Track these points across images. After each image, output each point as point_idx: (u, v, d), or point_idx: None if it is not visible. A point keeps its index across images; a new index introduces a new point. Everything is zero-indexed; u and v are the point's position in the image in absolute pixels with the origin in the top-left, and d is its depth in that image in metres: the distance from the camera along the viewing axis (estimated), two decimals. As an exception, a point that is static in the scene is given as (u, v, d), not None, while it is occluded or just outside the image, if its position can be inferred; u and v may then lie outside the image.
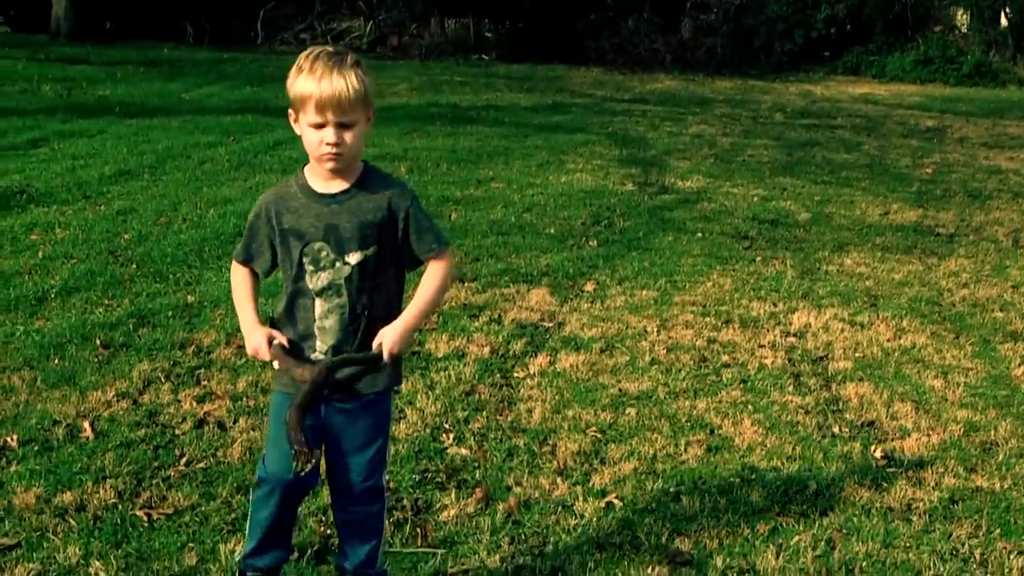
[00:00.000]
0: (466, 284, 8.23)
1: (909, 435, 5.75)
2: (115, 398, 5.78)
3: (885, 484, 5.17)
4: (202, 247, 8.97)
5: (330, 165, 3.49)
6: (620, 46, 31.16)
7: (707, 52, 31.24)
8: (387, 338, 3.49)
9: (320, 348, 3.58)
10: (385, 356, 3.48)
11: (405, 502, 4.80)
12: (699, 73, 29.93)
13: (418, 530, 4.56)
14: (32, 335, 6.68)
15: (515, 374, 6.45)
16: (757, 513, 4.83)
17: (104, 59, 26.91)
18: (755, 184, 13.50)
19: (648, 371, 6.57)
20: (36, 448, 5.16)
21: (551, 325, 7.39)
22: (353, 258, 3.53)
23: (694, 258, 9.48)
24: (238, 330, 6.46)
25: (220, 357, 6.48)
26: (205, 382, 6.09)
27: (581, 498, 4.90)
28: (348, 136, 3.43)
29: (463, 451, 5.35)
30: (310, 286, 3.56)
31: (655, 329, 7.35)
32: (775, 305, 8.07)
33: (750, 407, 6.06)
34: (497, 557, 4.38)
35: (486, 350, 6.78)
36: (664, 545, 4.52)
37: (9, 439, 5.21)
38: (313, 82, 3.37)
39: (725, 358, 6.87)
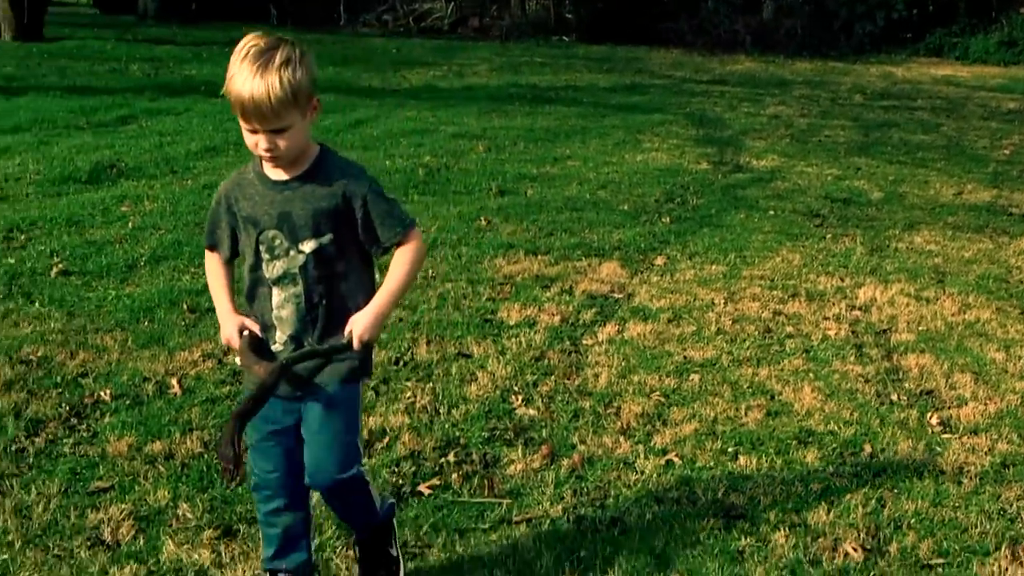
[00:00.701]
0: (539, 256, 8.47)
1: (966, 404, 5.89)
2: (201, 358, 6.07)
3: (939, 448, 5.33)
4: (284, 219, 9.25)
5: (270, 164, 3.40)
6: (700, 27, 31.14)
7: (787, 33, 31.11)
8: (357, 325, 3.39)
9: (279, 339, 3.52)
10: (355, 344, 3.39)
11: (474, 456, 5.04)
12: (779, 55, 29.84)
13: (485, 482, 4.80)
14: (123, 299, 7.00)
15: (584, 341, 6.66)
16: (811, 473, 5.02)
17: (190, 40, 27.43)
18: (830, 164, 13.58)
19: (713, 340, 6.76)
20: (128, 402, 5.47)
21: (621, 296, 7.59)
22: (307, 246, 3.43)
23: (765, 235, 9.62)
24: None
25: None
26: (286, 345, 6.36)
27: (642, 456, 5.12)
28: (281, 140, 3.29)
29: (531, 411, 5.58)
30: (267, 275, 3.48)
31: (722, 301, 7.53)
32: (842, 280, 8.20)
33: (811, 375, 6.23)
34: (560, 508, 4.61)
35: (556, 319, 7.01)
36: (720, 500, 4.72)
37: (103, 393, 5.53)
38: (237, 88, 3.22)
39: (789, 329, 7.04)
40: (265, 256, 3.46)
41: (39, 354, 6.03)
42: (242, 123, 3.29)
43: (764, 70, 26.61)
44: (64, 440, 5.04)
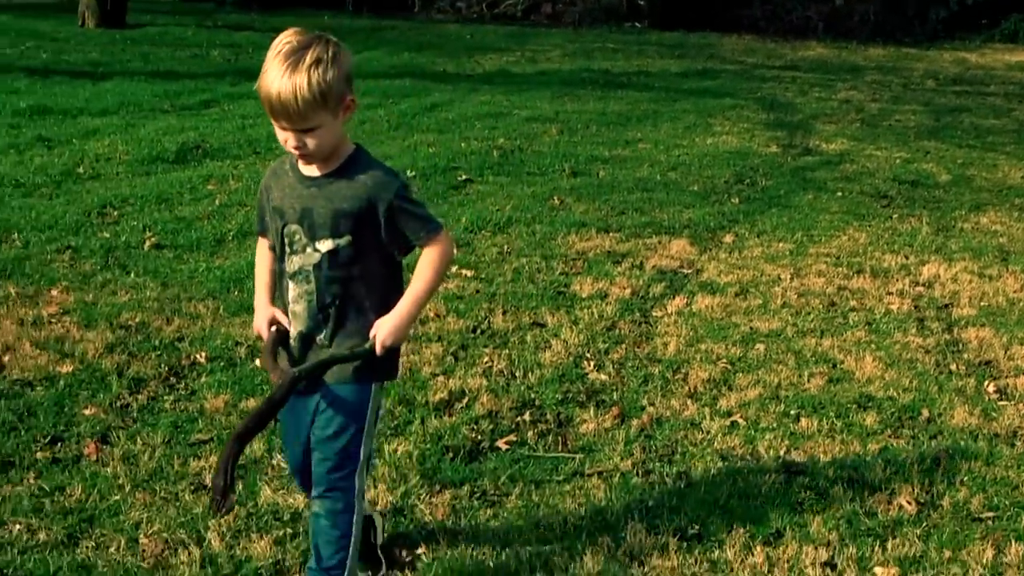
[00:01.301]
0: (611, 234, 8.74)
1: (1023, 374, 6.09)
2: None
3: (994, 414, 5.55)
4: (364, 198, 9.58)
5: (302, 162, 3.40)
6: (772, 13, 31.14)
7: (860, 19, 31.01)
8: (381, 330, 3.37)
9: (292, 333, 3.50)
10: (378, 350, 3.37)
11: (548, 416, 5.34)
12: (851, 41, 29.77)
13: (559, 439, 5.09)
14: (214, 271, 7.36)
15: (653, 313, 6.93)
16: (870, 435, 5.26)
17: (268, 26, 27.81)
18: (899, 147, 13.71)
19: (779, 313, 7.00)
20: (222, 364, 5.82)
21: (689, 271, 7.84)
22: (323, 245, 3.39)
23: (832, 215, 9.82)
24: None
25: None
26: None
27: (708, 417, 5.39)
28: (311, 140, 3.27)
29: (602, 376, 5.86)
30: (286, 268, 3.47)
31: (788, 276, 7.76)
32: (907, 258, 8.40)
33: (873, 346, 6.46)
34: (629, 462, 4.89)
35: (627, 292, 7.27)
36: (781, 457, 4.98)
37: (198, 356, 5.88)
38: (265, 86, 3.21)
39: (853, 303, 7.25)
40: (287, 250, 3.45)
41: (137, 320, 6.39)
42: (272, 120, 3.29)
43: (836, 56, 26.60)
44: (164, 397, 5.38)
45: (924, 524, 4.43)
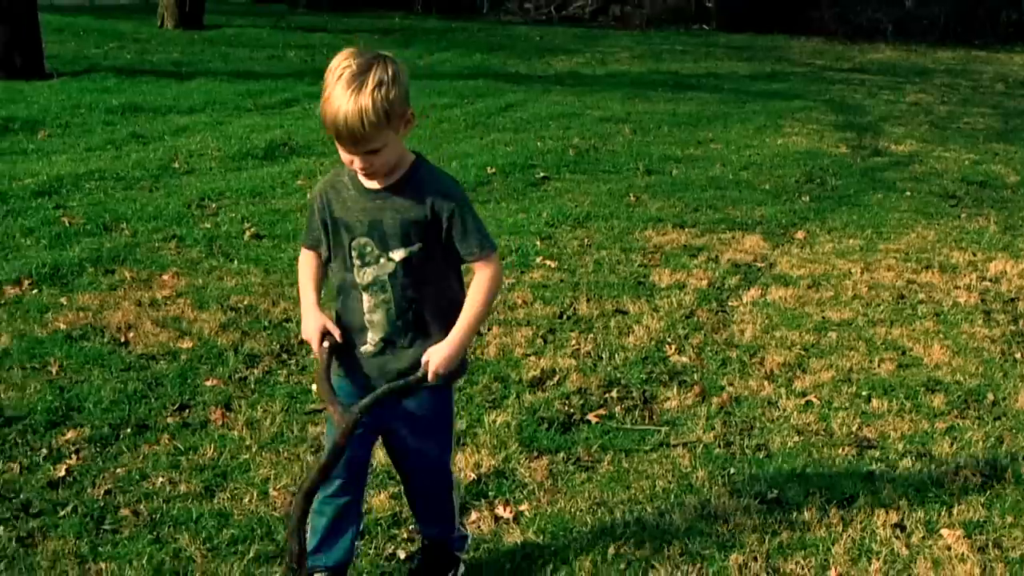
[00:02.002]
0: (686, 229, 9.10)
1: (1085, 363, 6.39)
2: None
3: (1057, 399, 5.86)
4: (448, 193, 9.99)
5: (367, 180, 3.43)
6: (840, 16, 31.30)
7: (929, 22, 31.11)
8: (434, 358, 3.44)
9: (372, 340, 3.55)
10: (431, 378, 3.44)
11: (634, 394, 5.71)
12: (920, 43, 29.90)
13: (645, 413, 5.47)
14: (312, 259, 7.77)
15: (729, 303, 7.28)
16: (938, 415, 5.59)
17: (340, 27, 28.49)
18: (968, 149, 13.94)
19: (850, 304, 7.33)
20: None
21: (763, 265, 8.19)
22: (397, 255, 3.44)
23: (901, 213, 10.12)
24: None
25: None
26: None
27: (784, 397, 5.74)
28: (377, 159, 3.31)
29: (683, 359, 6.23)
30: (358, 280, 3.50)
31: (859, 271, 8.07)
32: (974, 255, 8.68)
33: (941, 335, 6.78)
34: (711, 435, 5.26)
35: (704, 283, 7.63)
36: (854, 433, 5.33)
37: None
38: (330, 112, 3.22)
39: (922, 296, 7.57)
40: (356, 262, 3.47)
41: (245, 303, 6.83)
42: (336, 144, 3.32)
43: (905, 59, 26.75)
44: (278, 371, 5.81)
45: (988, 493, 4.76)
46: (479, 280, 3.48)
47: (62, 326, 6.27)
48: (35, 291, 6.87)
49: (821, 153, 13.21)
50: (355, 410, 3.36)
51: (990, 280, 8.02)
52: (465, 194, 3.52)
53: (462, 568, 3.97)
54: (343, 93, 3.18)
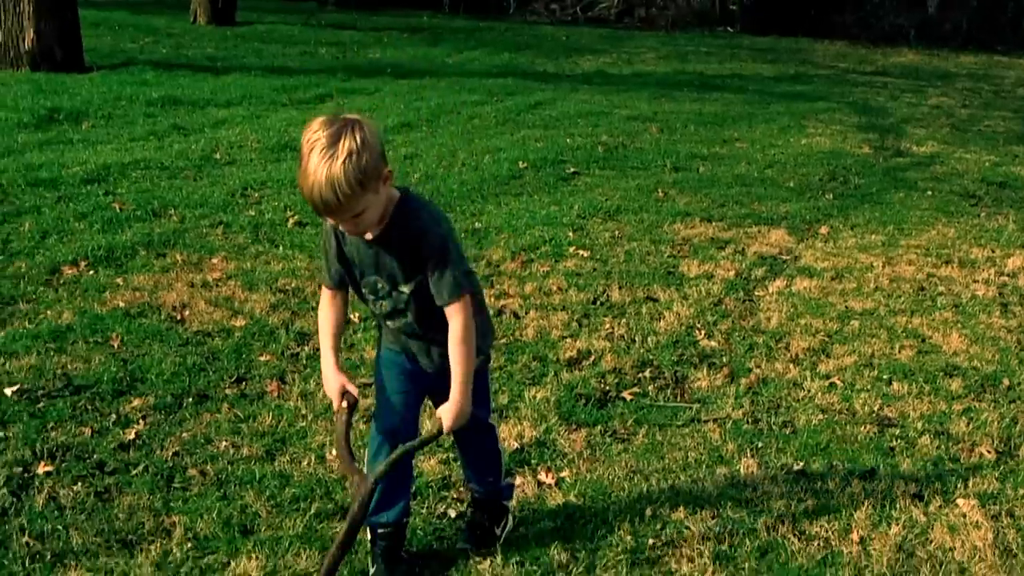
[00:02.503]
0: (713, 223, 9.39)
1: (1098, 353, 6.67)
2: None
3: (1070, 385, 6.14)
4: (481, 185, 10.32)
5: (356, 237, 3.58)
6: (864, 20, 31.54)
7: (952, 27, 31.32)
8: (445, 417, 3.66)
9: (424, 364, 3.85)
10: (445, 431, 3.69)
11: (666, 374, 6.01)
12: (943, 48, 30.11)
13: (677, 392, 5.77)
14: (354, 246, 8.09)
15: (756, 292, 7.57)
16: (955, 398, 5.87)
17: (370, 25, 28.82)
18: (988, 151, 14.20)
19: (872, 295, 7.61)
20: (372, 323, 6.52)
21: (788, 258, 8.47)
22: (406, 288, 3.64)
23: (922, 211, 10.39)
24: (522, 249, 7.84)
25: (507, 269, 7.76)
26: (498, 285, 7.40)
27: (809, 379, 6.03)
28: (360, 221, 3.44)
29: (712, 343, 6.53)
30: (376, 311, 3.77)
31: (881, 264, 8.35)
32: (993, 251, 8.95)
33: (959, 325, 7.05)
34: (740, 412, 5.55)
35: (731, 273, 7.93)
36: (875, 412, 5.62)
37: (352, 317, 6.60)
38: (306, 187, 3.34)
39: (941, 289, 7.84)
40: (370, 296, 3.71)
41: (292, 286, 7.15)
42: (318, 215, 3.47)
43: (927, 63, 26.98)
44: (328, 348, 6.12)
45: (1002, 468, 5.05)
46: (452, 334, 3.61)
47: (121, 304, 6.59)
48: (92, 272, 7.19)
49: (844, 153, 13.48)
50: (371, 479, 3.58)
51: (1008, 275, 8.29)
52: (445, 234, 3.60)
53: (511, 521, 4.28)
54: (316, 167, 3.28)
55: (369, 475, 3.62)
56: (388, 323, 3.80)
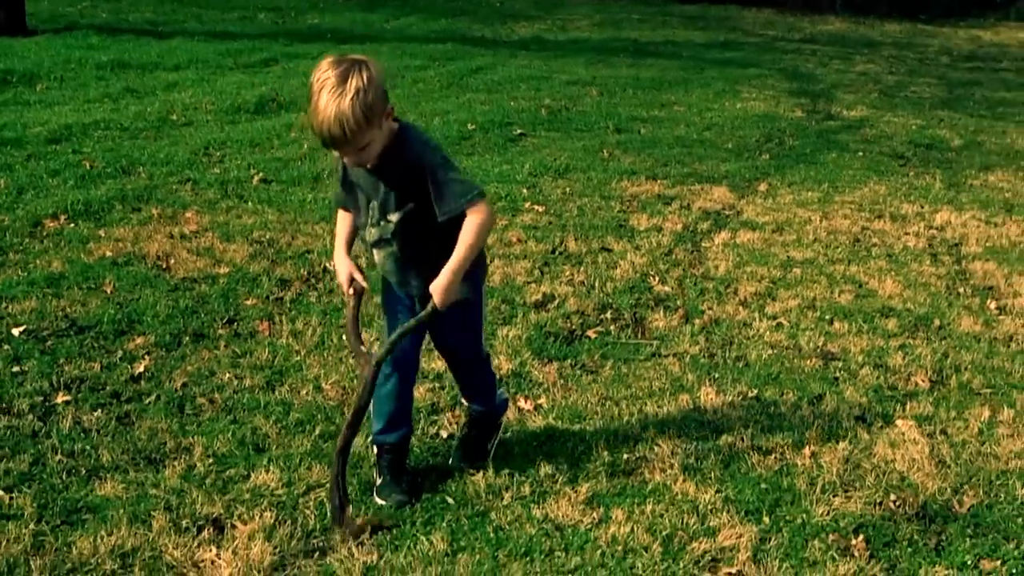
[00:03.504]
0: (658, 181, 9.87)
1: (1020, 296, 7.21)
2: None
3: (995, 324, 6.68)
4: (435, 146, 10.70)
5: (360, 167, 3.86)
6: (792, -12, 32.17)
7: (877, -4, 32.07)
8: (436, 291, 3.88)
9: (392, 282, 4.17)
10: (439, 307, 3.90)
11: (626, 315, 6.47)
12: (868, 16, 30.84)
13: (638, 331, 6.23)
14: (319, 201, 8.47)
15: (703, 244, 8.05)
16: (891, 336, 6.39)
17: (305, -10, 28.91)
18: (915, 115, 14.83)
19: (811, 246, 8.12)
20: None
21: (730, 212, 8.97)
22: (394, 216, 3.90)
23: (854, 170, 10.95)
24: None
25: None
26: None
27: (757, 320, 6.52)
28: (365, 153, 3.71)
29: (666, 288, 7.00)
30: (366, 238, 4.03)
31: (818, 219, 8.87)
32: (922, 207, 9.51)
33: (893, 272, 7.58)
34: (696, 348, 6.03)
35: (679, 226, 8.40)
36: (819, 347, 6.12)
37: (328, 264, 6.95)
38: (316, 123, 3.59)
39: (875, 240, 8.38)
40: (368, 221, 3.99)
41: (266, 237, 7.52)
42: (325, 148, 3.76)
43: (853, 31, 27.67)
44: (309, 293, 6.52)
45: (935, 394, 5.57)
46: (466, 224, 3.82)
47: (107, 253, 6.94)
48: (72, 225, 7.51)
49: (778, 116, 14.04)
50: (374, 362, 3.93)
51: (936, 228, 8.85)
52: (439, 155, 3.85)
53: (497, 437, 4.67)
54: (326, 104, 3.53)
55: (372, 357, 3.95)
56: (375, 251, 4.06)
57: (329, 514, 4.05)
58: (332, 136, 3.60)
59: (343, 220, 4.19)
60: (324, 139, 3.65)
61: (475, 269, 4.07)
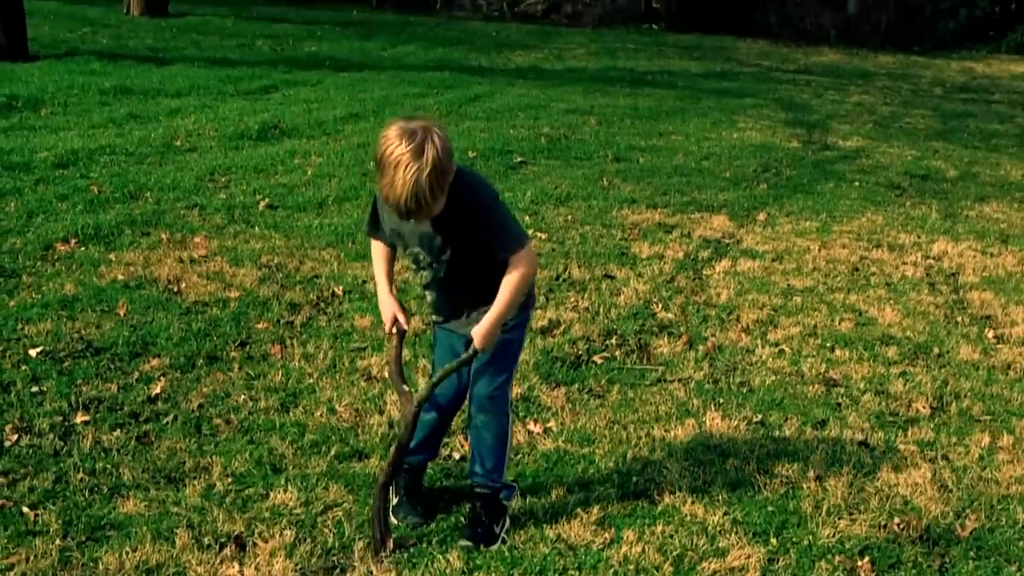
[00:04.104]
0: (659, 209, 9.99)
1: (1018, 325, 7.33)
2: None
3: (992, 353, 6.80)
4: (437, 173, 10.82)
5: None
6: (786, 19, 32.46)
7: (871, 28, 32.31)
8: (477, 336, 3.98)
9: (438, 319, 4.26)
10: (479, 351, 4.01)
11: (630, 341, 6.58)
12: (862, 48, 31.07)
13: (643, 356, 6.34)
14: (326, 227, 8.58)
15: (704, 272, 8.16)
16: (892, 363, 6.51)
17: (302, 19, 29.13)
18: (910, 146, 14.99)
19: (811, 274, 8.24)
20: (357, 295, 7.06)
21: (731, 241, 9.09)
22: (445, 258, 3.98)
23: (851, 200, 11.08)
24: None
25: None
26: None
27: (760, 346, 6.63)
28: (431, 212, 3.77)
29: (669, 315, 7.11)
30: (417, 280, 4.18)
31: (817, 248, 9.00)
32: (919, 237, 9.64)
33: (892, 301, 7.70)
34: (700, 374, 6.14)
35: (680, 254, 8.52)
36: (821, 374, 6.23)
37: (336, 289, 7.11)
38: (392, 197, 3.64)
39: (874, 270, 8.50)
40: (412, 266, 4.08)
41: (275, 262, 7.62)
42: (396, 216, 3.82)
43: (848, 62, 27.89)
44: (319, 317, 6.63)
45: (936, 421, 5.69)
46: (509, 274, 3.91)
47: (119, 277, 7.04)
48: (83, 248, 7.61)
49: (775, 146, 14.18)
50: (415, 401, 4.02)
51: (933, 258, 8.97)
52: (492, 200, 3.93)
53: (507, 523, 4.39)
54: (403, 181, 3.57)
55: (414, 396, 4.06)
56: (427, 293, 4.18)
57: (372, 545, 4.09)
58: (408, 210, 3.66)
59: (380, 255, 4.24)
60: (399, 211, 3.70)
61: (523, 310, 4.19)
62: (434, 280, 4.08)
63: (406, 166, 3.56)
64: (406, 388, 4.16)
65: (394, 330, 4.18)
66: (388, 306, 4.18)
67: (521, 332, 4.30)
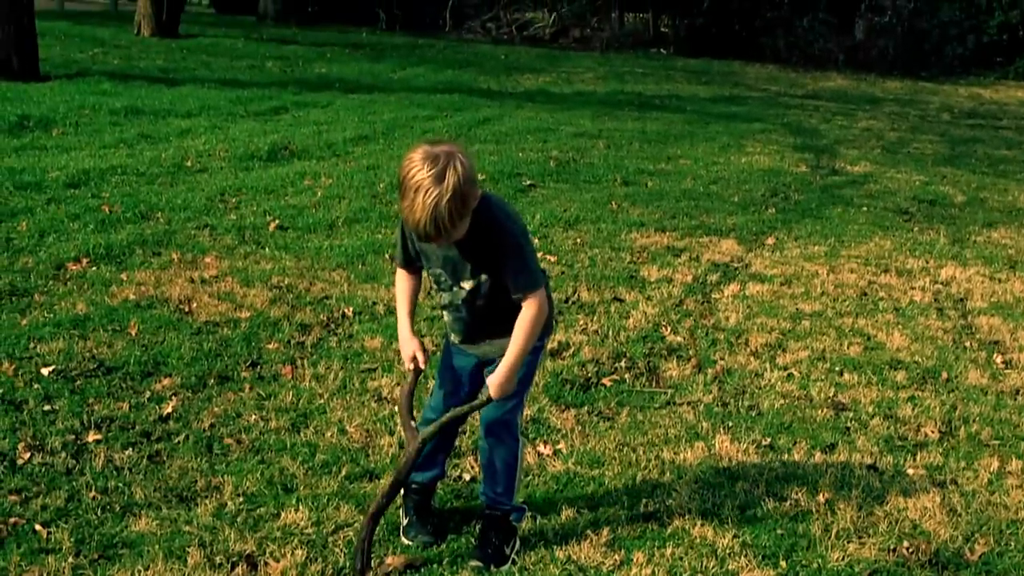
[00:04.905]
0: (667, 233, 10.02)
1: (1026, 351, 7.36)
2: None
3: (1001, 378, 6.81)
4: (447, 195, 10.86)
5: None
6: (794, 44, 32.49)
7: (879, 53, 32.36)
8: (492, 385, 3.98)
9: (454, 340, 4.28)
10: (493, 397, 4.01)
11: (640, 364, 6.60)
12: (870, 73, 31.14)
13: (652, 379, 6.36)
14: (336, 248, 8.62)
15: (713, 295, 8.18)
16: (900, 387, 6.52)
17: (311, 40, 29.24)
18: (918, 171, 15.00)
19: (819, 298, 8.26)
20: (367, 316, 7.09)
21: (739, 265, 9.11)
22: (467, 284, 4.00)
23: (859, 225, 11.10)
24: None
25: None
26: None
27: (769, 370, 6.65)
28: (452, 237, 3.77)
29: (678, 338, 7.13)
30: (438, 300, 4.19)
31: (825, 272, 9.02)
32: (927, 262, 9.66)
33: (900, 326, 7.71)
34: (709, 397, 6.16)
35: (689, 277, 8.55)
36: (830, 398, 6.25)
37: (346, 310, 7.14)
38: (413, 220, 3.64)
39: (882, 294, 8.51)
40: (434, 287, 4.12)
41: (285, 283, 7.65)
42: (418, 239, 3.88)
43: (855, 87, 27.94)
44: (330, 338, 6.66)
45: (944, 445, 5.70)
46: (521, 317, 3.93)
47: (130, 296, 7.07)
48: (94, 268, 7.65)
49: (783, 171, 14.21)
50: (420, 439, 4.00)
51: (941, 283, 8.99)
52: (518, 234, 3.94)
53: (517, 544, 4.39)
54: (423, 206, 3.57)
55: (419, 434, 4.06)
56: (444, 312, 4.21)
57: (352, 572, 4.07)
58: (427, 234, 3.68)
59: (404, 290, 4.25)
60: (419, 235, 3.74)
61: (538, 339, 4.14)
62: (451, 303, 4.11)
63: (426, 191, 3.57)
64: (413, 424, 4.16)
65: (411, 367, 4.18)
66: (408, 344, 4.17)
67: (534, 359, 4.28)
